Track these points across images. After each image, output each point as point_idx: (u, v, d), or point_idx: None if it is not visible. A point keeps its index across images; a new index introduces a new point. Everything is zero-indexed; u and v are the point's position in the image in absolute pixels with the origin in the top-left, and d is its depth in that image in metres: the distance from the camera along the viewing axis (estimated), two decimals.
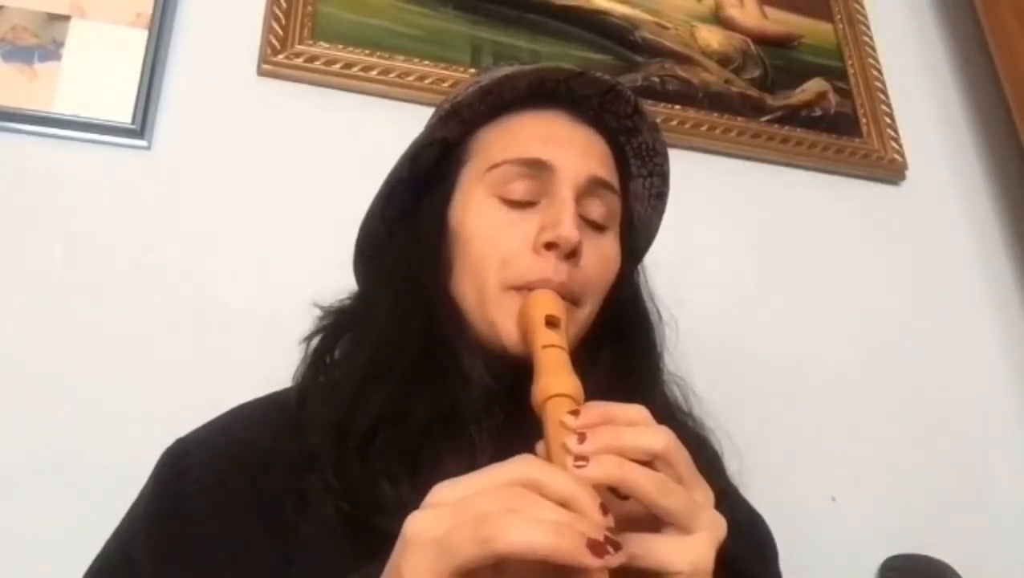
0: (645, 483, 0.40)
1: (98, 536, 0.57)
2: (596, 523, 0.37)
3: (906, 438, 1.16)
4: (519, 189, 0.59)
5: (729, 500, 0.45)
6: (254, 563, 0.51)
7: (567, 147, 0.60)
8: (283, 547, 0.52)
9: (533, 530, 0.35)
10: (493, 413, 0.55)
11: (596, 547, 0.35)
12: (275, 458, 0.55)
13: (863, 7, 1.46)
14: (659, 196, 0.70)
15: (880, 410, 1.16)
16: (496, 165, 0.59)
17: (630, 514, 0.41)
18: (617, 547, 0.36)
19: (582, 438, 0.41)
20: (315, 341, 0.65)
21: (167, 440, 0.59)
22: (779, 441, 1.05)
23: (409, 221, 0.64)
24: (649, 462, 0.42)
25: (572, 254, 0.57)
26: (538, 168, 0.59)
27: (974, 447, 1.19)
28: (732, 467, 0.67)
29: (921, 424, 1.17)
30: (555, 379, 0.47)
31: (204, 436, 0.59)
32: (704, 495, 0.43)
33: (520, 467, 0.39)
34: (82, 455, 0.83)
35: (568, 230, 0.56)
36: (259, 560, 0.51)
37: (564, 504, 0.37)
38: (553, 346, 0.50)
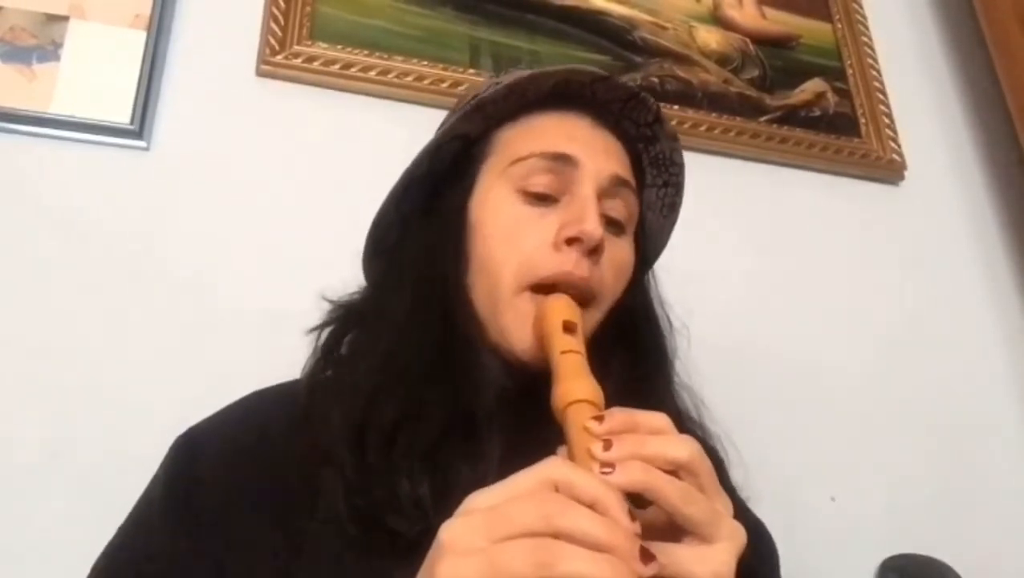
0: (670, 491, 0.40)
1: (103, 530, 0.56)
2: (629, 535, 0.37)
3: (906, 438, 1.16)
4: (542, 182, 0.59)
5: (734, 509, 0.46)
6: (264, 552, 0.52)
7: (590, 146, 0.60)
8: (292, 538, 0.52)
9: (591, 564, 0.35)
10: (508, 416, 0.55)
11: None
12: (287, 449, 0.55)
13: (862, 7, 1.46)
14: (672, 206, 0.70)
15: (880, 410, 1.16)
16: (521, 159, 0.59)
17: (650, 522, 0.41)
18: (650, 558, 0.37)
19: (608, 445, 0.41)
20: (324, 334, 0.65)
21: (169, 438, 0.59)
22: (779, 441, 1.05)
23: (426, 216, 0.64)
24: (672, 471, 0.42)
25: (595, 250, 0.57)
26: (562, 162, 0.59)
27: (974, 447, 1.19)
28: (738, 477, 0.67)
29: (921, 424, 1.17)
30: (576, 384, 0.47)
31: (215, 425, 0.60)
32: (725, 505, 0.44)
33: (548, 468, 0.39)
34: (84, 454, 0.83)
35: (591, 225, 0.56)
36: (269, 547, 0.52)
37: (592, 506, 0.38)
38: (572, 351, 0.50)
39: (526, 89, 0.61)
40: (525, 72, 0.63)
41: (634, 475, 0.40)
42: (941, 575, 1.03)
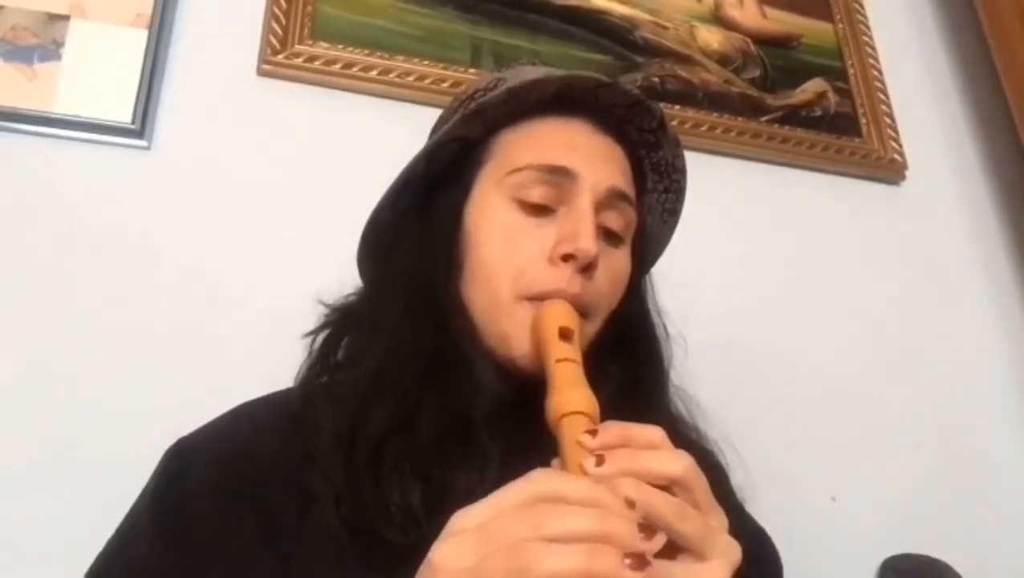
0: (663, 508, 0.40)
1: (99, 534, 0.56)
2: (624, 517, 0.37)
3: (906, 438, 1.16)
4: (538, 193, 0.58)
5: (734, 517, 0.45)
6: (253, 564, 0.51)
7: (590, 156, 0.60)
8: (282, 548, 0.52)
9: (567, 557, 0.35)
10: (502, 423, 0.55)
11: (635, 560, 0.35)
12: (277, 459, 0.54)
13: (863, 7, 1.46)
14: (672, 212, 0.70)
15: (880, 410, 1.16)
16: (518, 169, 0.59)
17: None
18: (653, 533, 0.36)
19: (600, 460, 0.40)
20: (319, 339, 0.65)
21: (169, 438, 0.59)
22: (779, 441, 1.05)
23: (421, 218, 0.63)
24: (666, 486, 0.41)
25: (588, 267, 0.57)
26: (560, 175, 0.58)
27: (974, 446, 1.19)
28: (737, 478, 0.67)
29: (921, 424, 1.17)
30: (571, 395, 0.46)
31: (205, 436, 0.59)
32: (719, 520, 0.43)
33: (537, 482, 0.39)
34: (84, 453, 0.83)
35: (587, 243, 0.55)
36: (258, 559, 0.51)
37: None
38: (567, 360, 0.50)
39: (528, 94, 0.60)
40: (528, 71, 0.62)
41: (626, 492, 0.39)
42: (941, 575, 1.03)
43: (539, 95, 0.61)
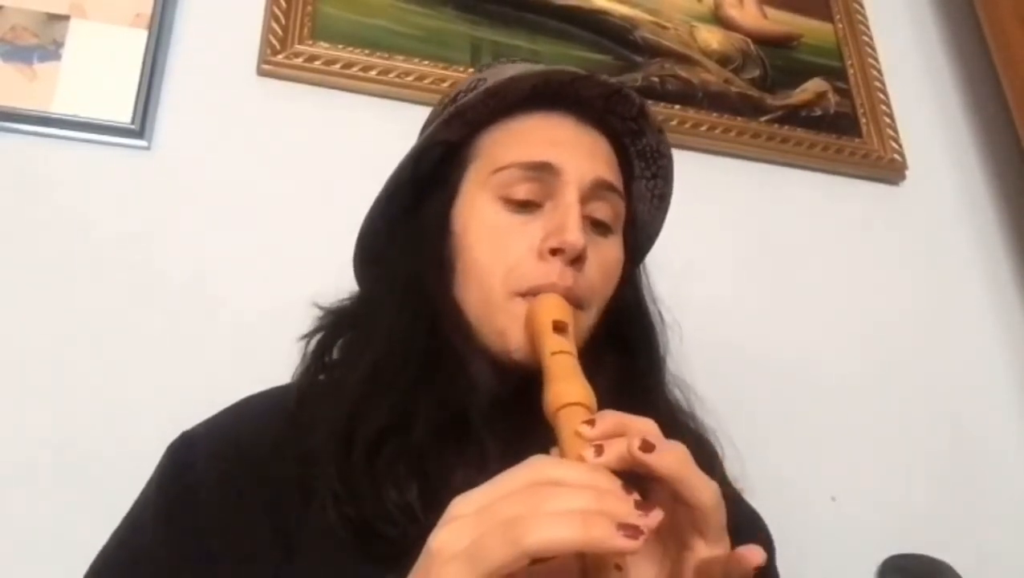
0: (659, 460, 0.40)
1: (100, 531, 0.57)
2: (622, 498, 0.37)
3: (906, 437, 1.16)
4: (523, 190, 0.59)
5: (731, 504, 0.45)
6: (257, 555, 0.52)
7: (573, 150, 0.60)
8: (286, 540, 0.52)
9: (562, 525, 0.35)
10: (498, 419, 0.55)
11: (629, 530, 0.35)
12: (280, 452, 0.55)
13: (863, 7, 1.46)
14: (662, 197, 0.70)
15: (880, 409, 1.16)
16: (502, 168, 0.59)
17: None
18: (649, 509, 0.36)
19: (599, 450, 0.41)
20: (314, 340, 0.65)
21: (168, 438, 0.59)
22: (779, 441, 1.05)
23: (411, 223, 0.64)
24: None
25: (577, 260, 0.57)
26: (543, 171, 0.58)
27: (974, 446, 1.19)
28: (734, 470, 0.67)
29: (921, 423, 1.17)
30: (567, 387, 0.47)
31: (209, 429, 0.60)
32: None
33: (535, 468, 0.39)
34: (84, 453, 0.83)
35: (573, 235, 0.56)
36: (262, 552, 0.52)
37: None
38: (563, 352, 0.50)
39: (505, 93, 0.61)
40: (507, 69, 0.62)
41: (620, 450, 0.40)
42: (941, 575, 1.03)
43: (517, 92, 0.61)
